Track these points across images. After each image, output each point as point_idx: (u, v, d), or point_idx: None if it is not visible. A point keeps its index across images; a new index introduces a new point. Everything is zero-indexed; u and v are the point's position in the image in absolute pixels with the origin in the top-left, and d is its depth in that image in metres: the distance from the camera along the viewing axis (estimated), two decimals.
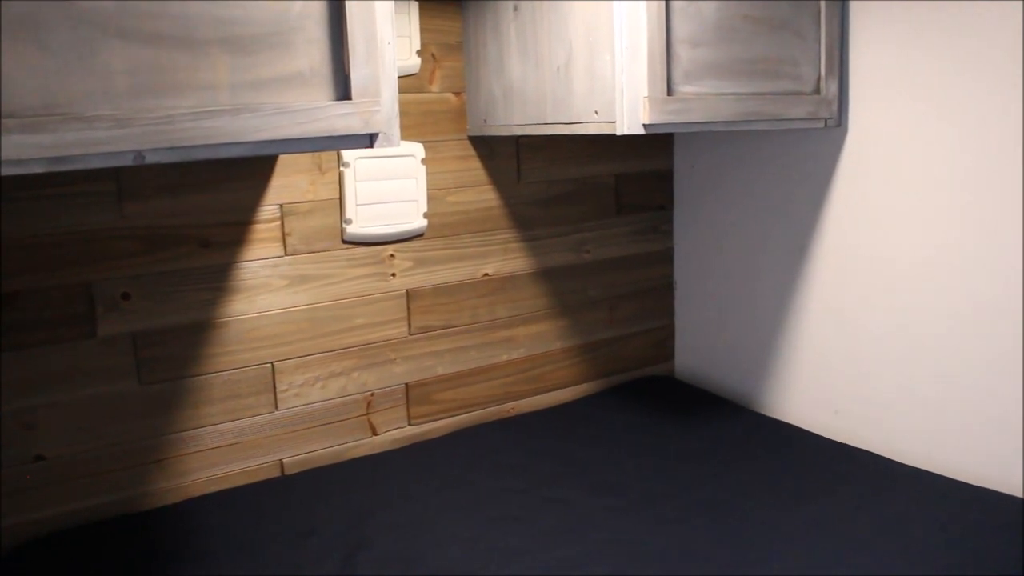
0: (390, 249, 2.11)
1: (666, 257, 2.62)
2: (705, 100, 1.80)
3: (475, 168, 2.22)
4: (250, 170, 1.92)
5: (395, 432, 2.18)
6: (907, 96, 1.96)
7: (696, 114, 1.79)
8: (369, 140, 1.39)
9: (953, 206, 1.91)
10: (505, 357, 2.34)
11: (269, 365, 1.99)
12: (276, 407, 2.01)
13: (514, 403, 2.37)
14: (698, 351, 2.61)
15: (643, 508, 1.78)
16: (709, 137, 2.45)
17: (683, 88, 1.77)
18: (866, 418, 2.14)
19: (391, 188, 2.07)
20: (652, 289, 2.61)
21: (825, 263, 2.19)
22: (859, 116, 2.06)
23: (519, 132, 2.02)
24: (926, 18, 1.89)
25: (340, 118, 1.32)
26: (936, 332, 1.97)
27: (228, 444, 1.97)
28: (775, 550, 1.61)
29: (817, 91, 2.01)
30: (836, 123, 2.08)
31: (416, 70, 2.09)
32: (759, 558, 1.58)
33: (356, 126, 1.35)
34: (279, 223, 1.96)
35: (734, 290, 2.45)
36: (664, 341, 2.67)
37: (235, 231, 1.92)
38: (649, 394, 2.46)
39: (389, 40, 1.37)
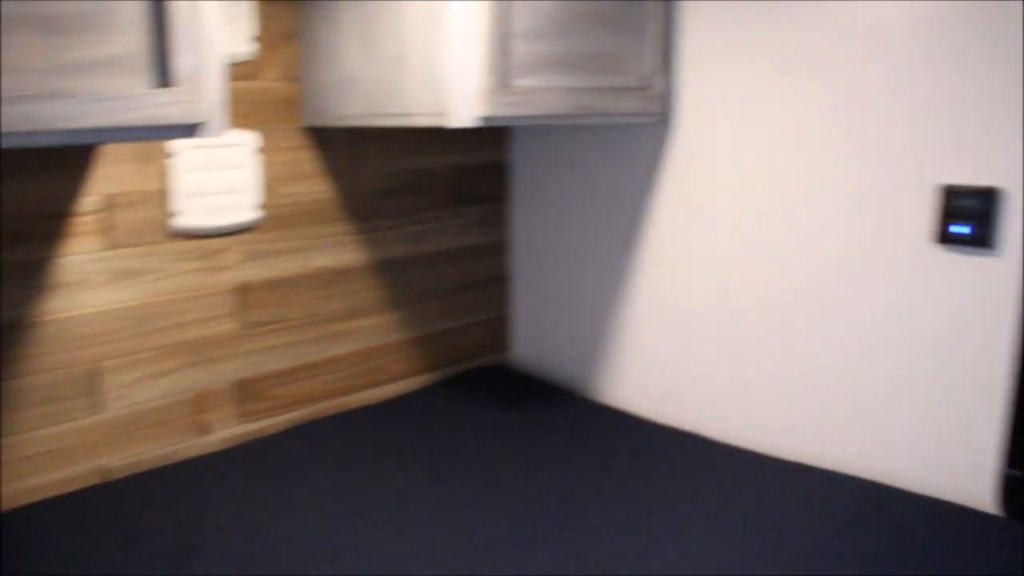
0: (221, 242, 2.04)
1: (502, 248, 2.66)
2: (540, 93, 1.83)
3: (310, 159, 2.17)
4: (70, 159, 1.80)
5: (227, 431, 2.11)
6: (732, 93, 2.06)
7: (531, 107, 1.82)
8: (193, 130, 1.34)
9: (774, 200, 2.03)
10: (340, 351, 2.31)
11: (91, 366, 1.88)
12: (99, 409, 1.91)
13: (350, 397, 2.34)
14: (533, 341, 2.66)
15: (481, 498, 1.80)
16: (545, 130, 2.49)
17: (519, 81, 1.80)
18: (691, 402, 2.25)
19: (222, 179, 2.00)
20: (488, 280, 2.64)
21: (654, 254, 2.28)
22: (686, 112, 2.15)
23: (355, 123, 2.00)
24: (753, 18, 2.00)
25: (161, 107, 1.27)
26: (759, 319, 2.10)
27: (47, 451, 1.85)
28: (612, 531, 1.66)
29: (647, 87, 2.08)
30: (664, 119, 2.16)
31: (250, 57, 2.02)
32: (596, 541, 1.63)
33: (178, 115, 1.29)
34: (102, 215, 1.85)
35: (568, 280, 2.51)
36: (500, 331, 2.71)
37: (53, 224, 1.79)
38: (485, 384, 2.49)
39: (217, 25, 1.32)
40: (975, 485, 1.82)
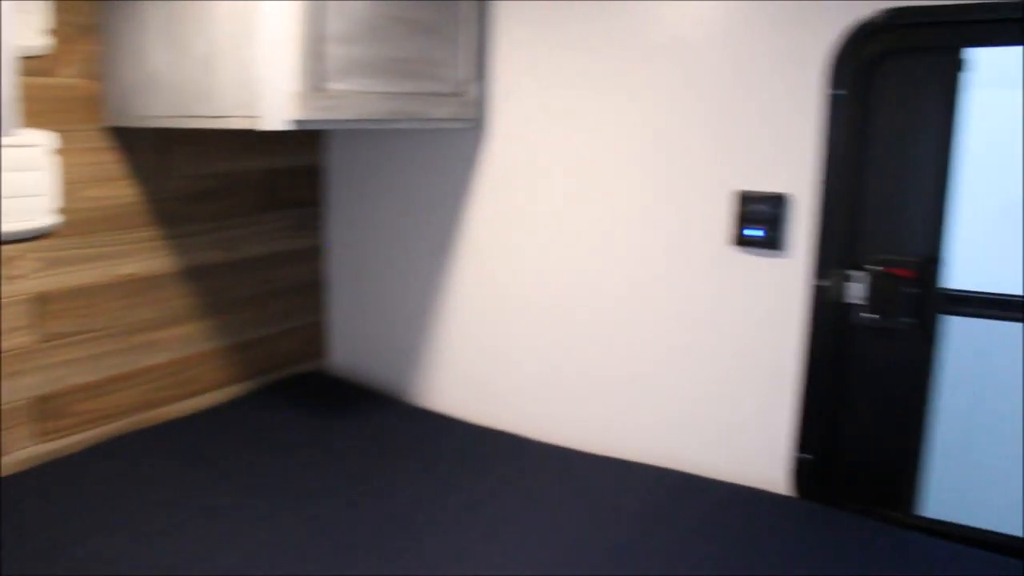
0: (14, 249, 1.89)
1: (318, 254, 2.62)
2: (354, 97, 1.83)
3: (114, 161, 2.06)
4: None
5: (25, 452, 1.97)
6: (545, 100, 2.14)
7: (345, 111, 1.82)
8: None
9: (584, 205, 2.13)
10: (150, 361, 2.20)
11: None
12: None
13: (161, 409, 2.24)
14: (352, 346, 2.65)
15: (301, 508, 1.77)
16: (361, 134, 2.48)
17: (333, 85, 1.79)
18: (508, 403, 2.31)
19: (14, 182, 1.86)
20: (303, 286, 2.60)
21: (470, 257, 2.33)
22: (500, 118, 2.21)
23: (162, 124, 1.92)
24: (565, 29, 2.08)
25: None
26: (571, 320, 2.19)
27: None
28: (432, 534, 1.69)
29: (461, 93, 2.12)
30: (479, 124, 2.21)
31: (44, 51, 1.89)
32: (416, 544, 1.65)
33: None
34: None
35: (385, 285, 2.52)
36: (316, 337, 2.67)
37: None
38: (303, 392, 2.45)
39: (5, 15, 1.23)
40: (771, 469, 1.99)
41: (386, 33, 1.89)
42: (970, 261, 1.96)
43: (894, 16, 1.74)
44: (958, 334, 1.91)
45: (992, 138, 1.96)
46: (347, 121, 1.85)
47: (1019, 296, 1.84)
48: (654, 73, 1.99)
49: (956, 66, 1.74)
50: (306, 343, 2.64)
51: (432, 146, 2.33)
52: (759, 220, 1.92)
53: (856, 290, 1.86)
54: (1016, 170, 2.56)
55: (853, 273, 1.86)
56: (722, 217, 1.96)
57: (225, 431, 2.15)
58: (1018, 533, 1.83)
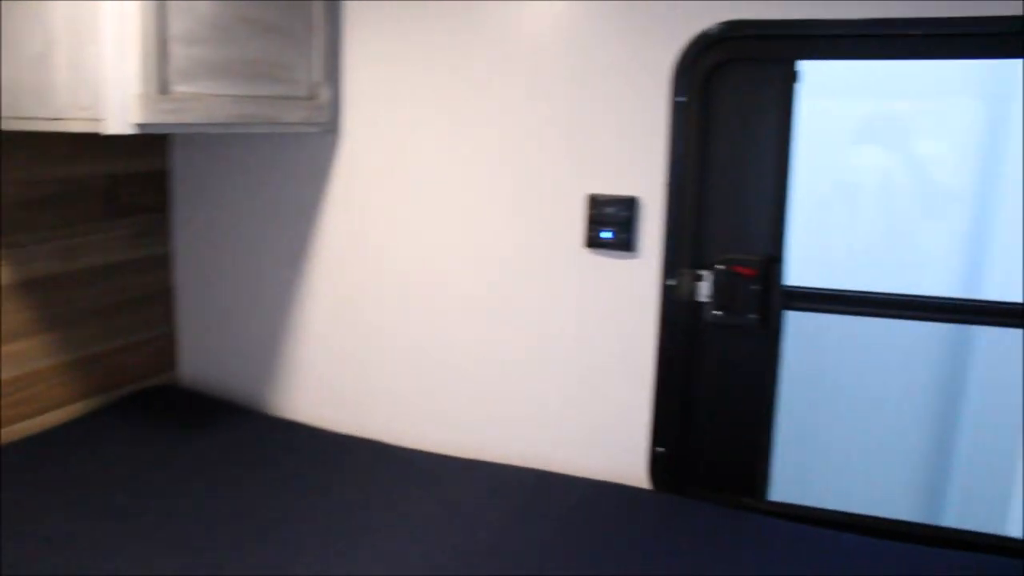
0: None
1: (165, 262, 2.52)
2: (201, 100, 1.78)
3: None
4: None
5: None
6: (400, 104, 2.13)
7: (192, 115, 1.76)
8: None
9: (442, 209, 2.13)
10: None
11: None
12: None
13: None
14: (204, 358, 2.55)
15: (159, 529, 1.70)
16: (210, 138, 2.40)
17: (178, 87, 1.73)
18: (372, 410, 2.29)
19: None
20: (150, 296, 2.49)
21: (328, 263, 2.29)
22: (354, 122, 2.18)
23: None
24: (418, 33, 2.08)
25: None
26: (433, 324, 2.19)
27: None
28: (297, 547, 1.66)
29: (313, 96, 2.09)
30: (333, 128, 2.18)
31: None
32: (282, 558, 1.62)
33: None
34: None
35: (238, 293, 2.44)
36: (166, 350, 2.57)
37: None
38: (154, 407, 2.35)
39: None
40: (632, 464, 2.05)
41: (234, 34, 1.84)
42: (804, 259, 2.08)
43: (730, 28, 1.83)
44: (799, 327, 2.02)
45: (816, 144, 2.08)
46: (194, 125, 1.79)
47: (854, 291, 1.97)
48: (507, 78, 2.02)
49: (790, 76, 1.85)
50: (155, 356, 2.53)
51: (284, 150, 2.29)
52: (611, 223, 1.98)
53: (704, 288, 1.95)
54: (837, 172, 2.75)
55: (701, 272, 1.95)
56: (576, 220, 2.01)
57: (71, 452, 2.03)
58: (858, 511, 1.96)
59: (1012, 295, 2.45)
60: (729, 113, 1.89)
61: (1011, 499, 2.57)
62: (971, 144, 2.64)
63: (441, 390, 2.20)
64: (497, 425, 2.16)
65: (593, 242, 2.00)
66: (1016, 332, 2.46)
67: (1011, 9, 1.65)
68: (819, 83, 1.90)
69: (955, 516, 2.72)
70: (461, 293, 2.15)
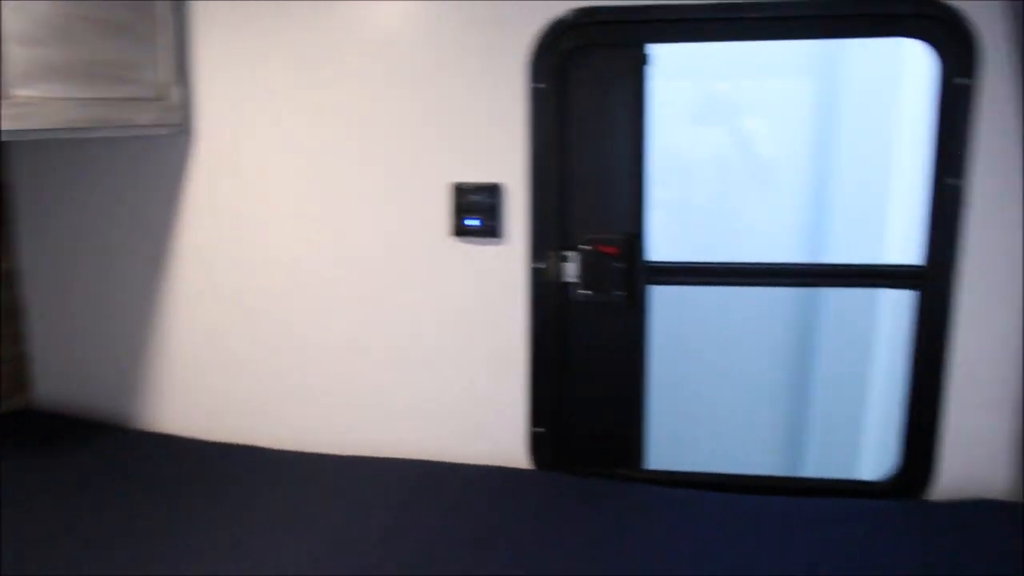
0: None
1: (11, 280, 2.38)
2: (44, 104, 1.70)
3: None
4: None
5: None
6: (256, 102, 2.10)
7: (34, 120, 1.68)
8: None
9: (305, 205, 2.11)
10: None
11: None
12: None
13: None
14: (61, 377, 2.42)
15: (20, 563, 1.60)
16: (54, 144, 2.27)
17: (18, 91, 1.64)
18: (243, 415, 2.24)
19: None
20: None
21: (189, 269, 2.22)
22: (209, 121, 2.13)
23: None
24: (270, 28, 2.05)
25: None
26: (302, 323, 2.16)
27: None
28: (190, 554, 1.62)
29: (163, 97, 2.03)
30: (185, 129, 2.12)
31: None
32: (177, 567, 1.58)
33: None
34: None
35: (95, 306, 2.33)
36: (18, 372, 2.42)
37: None
38: (8, 433, 2.22)
39: None
40: (512, 446, 2.09)
41: (76, 34, 1.76)
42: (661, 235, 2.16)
43: (583, 15, 1.89)
44: (664, 300, 2.11)
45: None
46: (37, 131, 1.71)
47: (712, 263, 2.07)
48: (364, 72, 2.02)
49: (641, 60, 1.92)
50: (5, 379, 2.38)
51: (137, 154, 2.20)
52: (477, 210, 2.01)
53: (571, 269, 2.00)
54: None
55: (567, 254, 2.00)
56: (442, 209, 2.03)
57: None
58: (728, 471, 2.07)
59: (849, 258, 2.64)
60: (586, 97, 1.95)
61: (861, 446, 2.76)
62: (805, 119, 2.81)
63: (316, 389, 2.18)
64: (377, 420, 2.15)
65: (460, 230, 2.02)
66: (858, 291, 2.65)
67: None
68: (660, 65, 1.98)
69: (814, 467, 2.90)
70: (330, 290, 2.13)
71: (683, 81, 2.80)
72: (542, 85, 1.93)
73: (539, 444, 2.08)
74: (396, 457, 2.07)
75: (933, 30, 1.79)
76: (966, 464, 1.95)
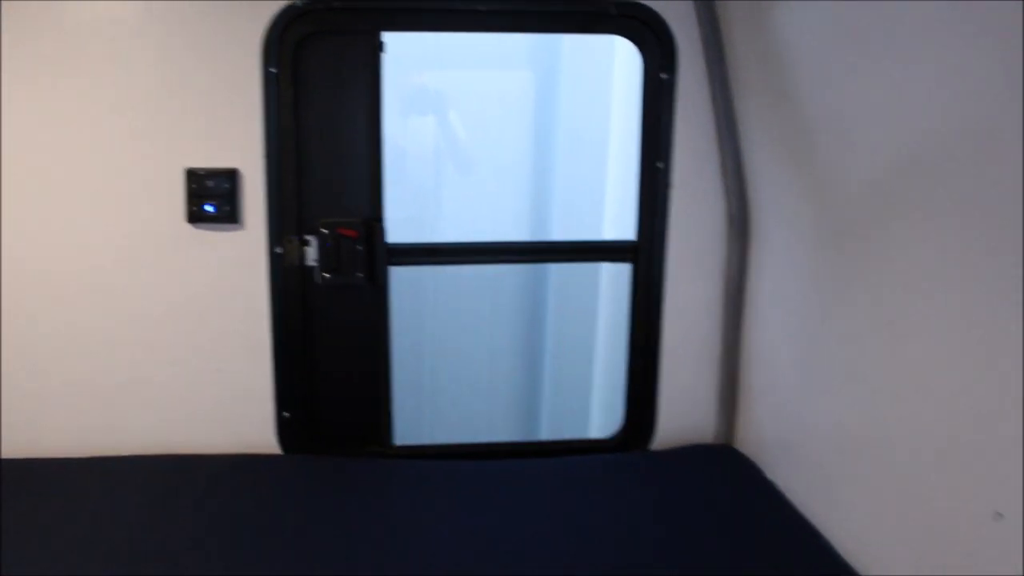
0: None
1: None
2: None
3: None
4: None
5: None
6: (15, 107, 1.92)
7: None
8: None
9: (36, 198, 1.96)
10: None
11: None
12: None
13: None
14: None
15: None
16: None
17: None
18: None
19: None
20: None
21: None
22: None
23: None
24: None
25: None
26: (43, 322, 2.02)
27: None
28: None
29: None
30: None
31: None
32: None
33: None
34: None
35: None
36: None
37: None
38: None
39: None
40: (262, 433, 2.08)
41: None
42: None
43: (315, 1, 1.90)
44: (405, 280, 2.17)
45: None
46: None
47: (447, 243, 2.16)
48: (96, 58, 1.91)
49: (375, 47, 1.97)
50: None
51: None
52: (213, 196, 1.97)
53: (312, 253, 2.02)
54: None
55: (308, 238, 2.02)
56: (177, 196, 1.97)
57: None
58: (471, 440, 2.18)
59: (573, 236, 2.85)
60: (321, 83, 1.97)
61: (591, 408, 2.99)
62: (529, 108, 2.98)
63: (53, 389, 2.04)
64: (120, 417, 2.05)
65: (196, 216, 1.97)
66: (581, 266, 2.87)
67: None
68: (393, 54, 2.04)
69: (550, 430, 3.10)
70: (67, 285, 2.00)
71: (413, 70, 2.87)
72: (276, 70, 1.92)
73: (287, 428, 2.08)
74: (143, 454, 2.00)
75: (637, 29, 1.98)
76: (681, 416, 2.19)
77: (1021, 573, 1.18)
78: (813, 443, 1.79)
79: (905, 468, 1.46)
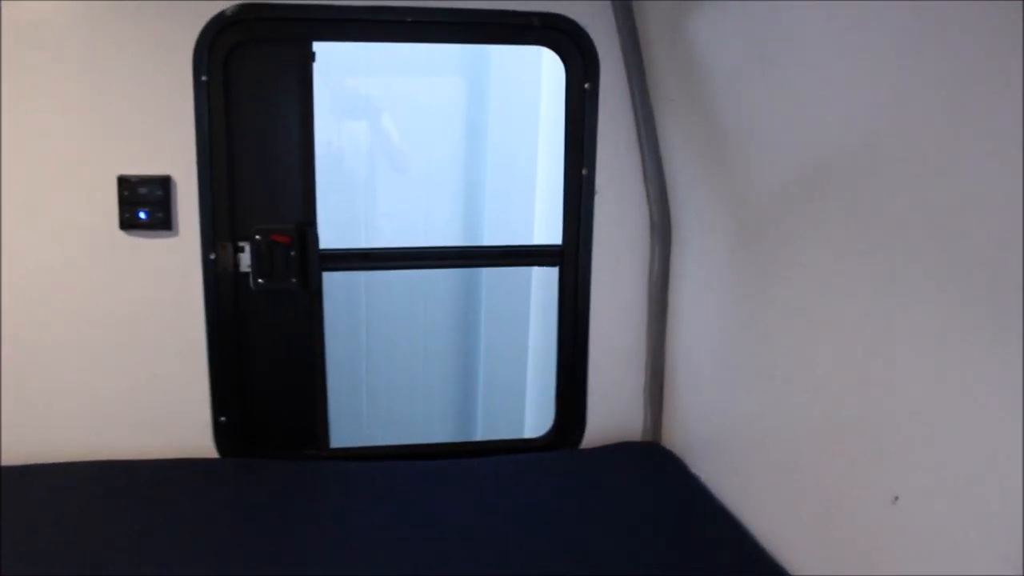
0: None
1: None
2: None
3: None
4: None
5: None
6: None
7: None
8: None
9: (10, 214, 1.95)
10: None
11: None
12: None
13: None
14: None
15: None
16: None
17: None
18: None
19: None
20: None
21: None
22: None
23: None
24: None
25: None
26: None
27: None
28: None
29: None
30: None
31: None
32: None
33: None
34: None
35: None
36: None
37: None
38: None
39: None
40: (199, 437, 2.09)
41: None
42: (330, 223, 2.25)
43: (245, 10, 1.93)
44: (339, 285, 2.21)
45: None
46: None
47: (380, 248, 2.21)
48: (27, 63, 1.90)
49: (306, 56, 2.00)
50: None
51: None
52: (146, 203, 1.98)
53: (246, 259, 2.04)
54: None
55: (241, 244, 2.04)
56: (109, 203, 1.97)
57: None
58: (407, 441, 2.22)
59: (501, 240, 2.91)
60: (252, 91, 2.00)
61: (524, 409, 3.05)
62: (460, 116, 3.03)
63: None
64: (55, 424, 2.05)
65: (129, 223, 1.98)
66: (513, 270, 2.93)
67: (490, 5, 2.00)
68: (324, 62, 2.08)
69: (485, 430, 3.15)
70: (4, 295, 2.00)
71: (345, 78, 2.90)
72: (207, 78, 1.94)
73: (223, 433, 2.09)
74: (79, 460, 2.00)
75: (560, 40, 2.05)
76: (609, 415, 2.26)
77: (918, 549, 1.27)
78: (732, 437, 1.88)
79: (811, 457, 1.55)
